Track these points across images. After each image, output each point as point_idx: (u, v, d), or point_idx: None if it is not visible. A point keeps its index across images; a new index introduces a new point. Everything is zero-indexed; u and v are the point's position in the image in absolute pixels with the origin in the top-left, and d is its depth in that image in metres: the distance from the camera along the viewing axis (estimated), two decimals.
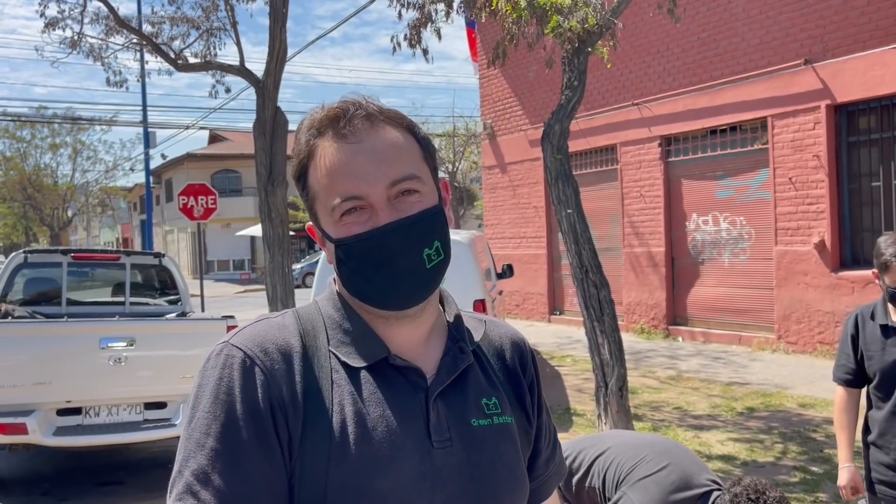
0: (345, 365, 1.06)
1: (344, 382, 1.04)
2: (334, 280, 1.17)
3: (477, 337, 1.18)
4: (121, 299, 7.06)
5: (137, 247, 45.14)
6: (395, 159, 1.04)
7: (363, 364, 1.06)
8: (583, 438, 2.76)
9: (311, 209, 1.10)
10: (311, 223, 1.14)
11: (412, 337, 1.11)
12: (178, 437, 1.04)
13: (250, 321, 1.11)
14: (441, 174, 1.14)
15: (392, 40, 7.93)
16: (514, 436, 1.14)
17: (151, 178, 28.72)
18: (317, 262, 11.49)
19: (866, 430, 2.99)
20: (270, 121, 8.58)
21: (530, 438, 1.20)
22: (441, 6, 7.68)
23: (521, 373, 1.21)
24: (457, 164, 28.49)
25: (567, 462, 2.73)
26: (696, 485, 2.40)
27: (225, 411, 0.99)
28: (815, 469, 5.50)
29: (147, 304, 7.31)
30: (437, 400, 1.08)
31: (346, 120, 1.04)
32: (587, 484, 2.59)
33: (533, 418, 1.21)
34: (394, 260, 1.03)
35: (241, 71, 9.20)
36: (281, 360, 1.03)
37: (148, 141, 26.76)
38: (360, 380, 1.05)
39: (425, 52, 8.07)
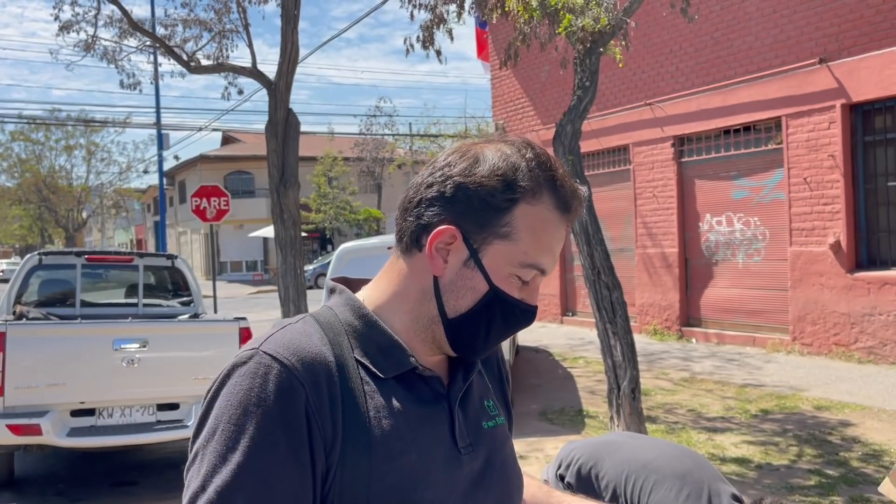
0: (372, 375, 1.04)
1: (375, 393, 1.02)
2: (344, 284, 1.14)
3: None
4: (134, 301, 7.10)
5: (151, 248, 45.43)
6: None
7: (390, 374, 1.05)
8: (597, 444, 2.70)
9: (486, 233, 1.04)
10: (453, 227, 1.03)
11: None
12: (191, 438, 1.00)
13: (273, 329, 1.05)
14: None
15: (405, 42, 7.94)
16: (509, 434, 1.20)
17: (165, 180, 28.90)
18: (328, 263, 11.50)
19: None
20: (283, 122, 8.60)
21: (511, 433, 1.26)
22: (453, 7, 7.67)
23: (499, 370, 1.27)
24: None
25: (585, 469, 2.69)
26: None
27: (255, 424, 0.94)
28: (830, 472, 5.45)
29: (160, 305, 7.35)
30: (458, 406, 1.09)
31: (576, 216, 1.10)
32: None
33: (511, 413, 1.27)
34: (511, 333, 1.11)
35: (254, 73, 9.23)
36: (317, 370, 0.99)
37: (161, 142, 26.91)
38: (389, 390, 1.04)
39: (438, 53, 8.08)
